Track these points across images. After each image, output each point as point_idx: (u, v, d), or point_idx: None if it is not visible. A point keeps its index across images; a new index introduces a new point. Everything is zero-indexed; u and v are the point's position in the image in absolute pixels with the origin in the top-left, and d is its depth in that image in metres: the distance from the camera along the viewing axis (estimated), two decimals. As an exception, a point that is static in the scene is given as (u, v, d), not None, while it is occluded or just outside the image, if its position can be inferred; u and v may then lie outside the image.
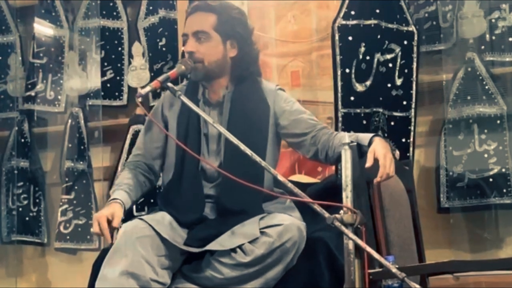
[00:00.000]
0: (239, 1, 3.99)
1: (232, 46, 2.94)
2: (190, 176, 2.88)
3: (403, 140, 3.61)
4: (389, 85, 3.62)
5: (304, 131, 2.93)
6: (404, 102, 3.63)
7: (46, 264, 4.49)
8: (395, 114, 3.62)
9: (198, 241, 2.73)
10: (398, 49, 3.63)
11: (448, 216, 3.65)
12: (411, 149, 3.61)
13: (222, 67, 2.94)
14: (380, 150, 2.65)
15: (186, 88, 3.00)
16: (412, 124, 3.63)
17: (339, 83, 3.55)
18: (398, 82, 3.63)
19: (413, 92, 3.63)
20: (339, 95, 3.55)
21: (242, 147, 2.41)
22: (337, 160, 2.89)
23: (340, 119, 3.53)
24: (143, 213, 3.85)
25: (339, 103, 3.55)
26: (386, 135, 3.56)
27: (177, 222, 2.81)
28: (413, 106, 3.63)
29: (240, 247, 2.67)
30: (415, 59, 3.65)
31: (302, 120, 2.95)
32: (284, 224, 2.70)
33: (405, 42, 3.64)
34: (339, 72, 3.56)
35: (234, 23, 2.93)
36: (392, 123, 3.61)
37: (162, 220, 2.80)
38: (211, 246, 2.69)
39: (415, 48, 3.66)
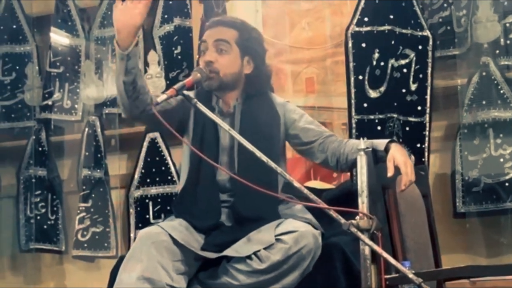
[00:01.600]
0: (253, 8, 4.02)
1: (248, 63, 2.99)
2: (206, 184, 2.90)
3: (418, 145, 3.61)
4: (403, 90, 3.62)
5: (311, 139, 2.99)
6: (419, 108, 3.63)
7: (64, 272, 4.52)
8: (410, 119, 3.62)
9: (214, 247, 2.75)
10: (412, 54, 3.63)
11: (464, 221, 3.64)
12: (426, 154, 3.61)
13: (236, 81, 2.98)
14: (399, 157, 2.66)
15: (197, 96, 2.90)
16: (427, 129, 3.62)
17: (352, 90, 3.56)
18: (413, 87, 3.63)
19: (428, 97, 3.63)
20: (353, 101, 3.56)
21: (258, 154, 2.43)
22: (350, 167, 2.92)
23: (354, 125, 3.54)
24: (159, 220, 3.86)
25: (353, 109, 3.55)
26: (401, 140, 3.56)
27: (194, 228, 2.83)
28: (427, 111, 3.63)
29: (255, 253, 2.68)
30: (430, 64, 3.65)
31: (310, 129, 3.01)
32: (300, 231, 2.71)
33: (420, 47, 3.64)
34: (352, 79, 3.56)
35: (253, 41, 3.01)
36: (407, 129, 3.61)
37: (179, 226, 2.81)
38: (227, 252, 2.71)
39: (430, 53, 3.66)
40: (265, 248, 2.68)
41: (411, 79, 3.63)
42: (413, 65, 3.63)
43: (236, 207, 2.86)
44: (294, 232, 2.70)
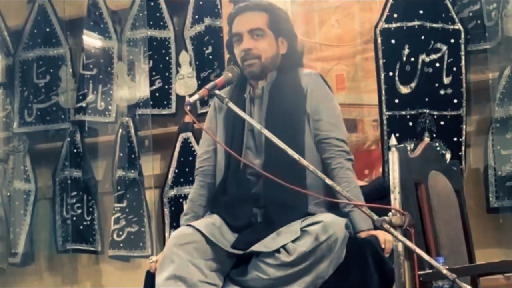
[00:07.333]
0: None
1: (282, 43, 3.02)
2: (237, 175, 2.92)
3: (455, 139, 3.60)
4: (436, 84, 3.61)
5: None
6: (455, 101, 3.62)
7: (100, 271, 4.57)
8: (445, 113, 3.61)
9: (245, 244, 2.76)
10: (444, 48, 3.62)
11: (498, 216, 3.62)
12: (463, 148, 3.60)
13: (275, 63, 3.00)
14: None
15: (233, 89, 3.01)
16: (464, 122, 3.62)
17: (383, 86, 3.56)
18: (446, 81, 3.62)
19: (463, 90, 3.62)
20: (383, 98, 3.56)
21: (290, 152, 2.43)
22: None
23: (385, 122, 3.54)
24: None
25: (384, 106, 3.55)
26: (434, 135, 3.55)
27: (228, 226, 2.86)
28: (464, 104, 3.62)
29: (284, 247, 2.69)
30: (463, 57, 3.64)
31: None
32: (325, 221, 2.70)
33: (452, 41, 3.64)
34: (382, 76, 3.57)
35: (283, 21, 3.03)
36: (442, 123, 3.60)
37: (212, 223, 2.84)
38: (256, 247, 2.72)
39: (462, 46, 3.65)
40: (292, 241, 2.69)
41: (444, 73, 3.62)
42: (445, 59, 3.62)
43: (265, 207, 2.87)
44: (319, 223, 2.70)
